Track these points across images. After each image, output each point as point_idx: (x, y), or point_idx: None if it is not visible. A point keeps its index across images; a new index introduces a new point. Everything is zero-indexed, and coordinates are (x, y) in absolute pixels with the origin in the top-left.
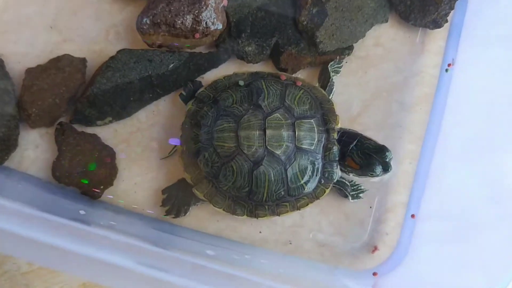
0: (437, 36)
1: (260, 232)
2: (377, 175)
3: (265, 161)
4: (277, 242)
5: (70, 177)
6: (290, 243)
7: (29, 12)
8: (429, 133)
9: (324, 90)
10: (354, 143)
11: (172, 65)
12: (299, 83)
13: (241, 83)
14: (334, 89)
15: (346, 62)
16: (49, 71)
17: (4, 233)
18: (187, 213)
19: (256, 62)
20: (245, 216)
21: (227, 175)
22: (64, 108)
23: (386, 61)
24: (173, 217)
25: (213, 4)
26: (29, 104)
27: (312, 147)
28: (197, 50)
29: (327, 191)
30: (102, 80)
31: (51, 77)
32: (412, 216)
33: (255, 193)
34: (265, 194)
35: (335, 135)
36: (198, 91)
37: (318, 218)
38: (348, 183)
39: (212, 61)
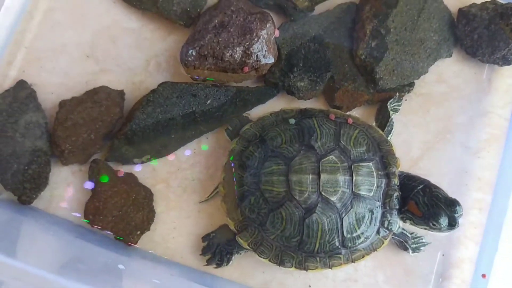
0: (506, 73)
1: (309, 286)
2: (440, 229)
3: (318, 209)
4: None
5: (104, 220)
6: None
7: (65, 39)
8: (500, 180)
9: (383, 130)
10: (421, 187)
11: (218, 101)
12: (350, 121)
13: (292, 121)
14: (393, 129)
15: (406, 100)
16: (85, 104)
17: None
18: (230, 263)
19: (308, 99)
20: (293, 268)
21: (275, 223)
22: (99, 144)
23: (450, 99)
24: (215, 267)
25: (265, 36)
26: (62, 139)
27: (371, 194)
28: (243, 84)
29: (386, 242)
30: (141, 115)
31: (87, 111)
32: (483, 276)
33: (306, 243)
34: (317, 245)
35: (396, 181)
36: (243, 129)
37: (374, 272)
38: (409, 235)
39: (260, 97)
